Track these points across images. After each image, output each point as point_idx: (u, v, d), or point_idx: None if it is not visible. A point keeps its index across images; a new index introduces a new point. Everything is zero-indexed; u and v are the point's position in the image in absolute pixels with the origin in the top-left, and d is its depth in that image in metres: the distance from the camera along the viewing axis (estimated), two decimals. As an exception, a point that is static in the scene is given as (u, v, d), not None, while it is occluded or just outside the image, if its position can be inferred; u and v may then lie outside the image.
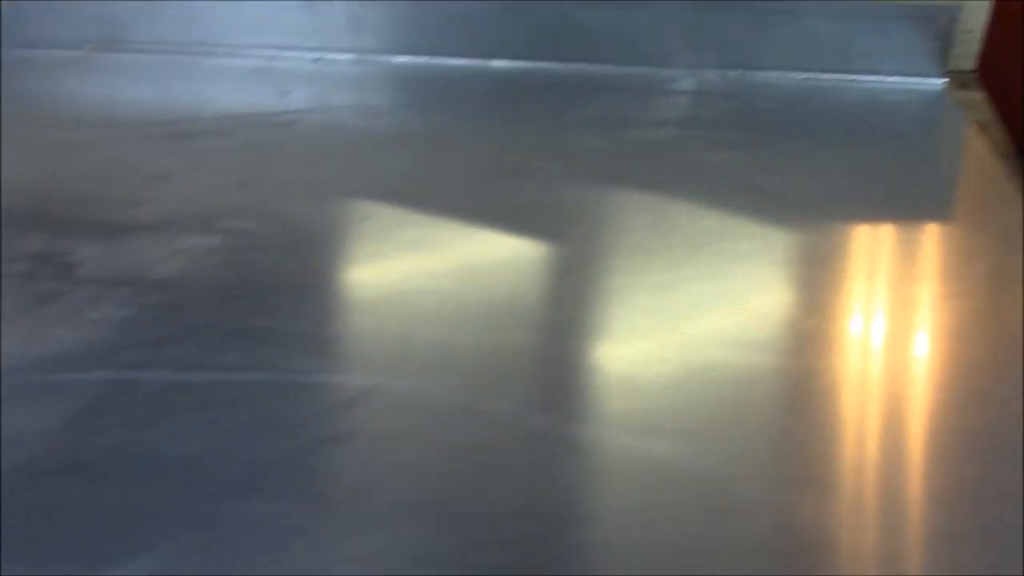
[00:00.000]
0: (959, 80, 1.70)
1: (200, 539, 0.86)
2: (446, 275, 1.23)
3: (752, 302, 1.17)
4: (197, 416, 0.99)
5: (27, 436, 0.95)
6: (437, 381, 1.05)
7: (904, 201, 1.40)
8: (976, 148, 1.54)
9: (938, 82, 1.68)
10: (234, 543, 0.86)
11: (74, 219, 1.31)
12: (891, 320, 1.16)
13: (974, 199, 1.44)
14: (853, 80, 1.68)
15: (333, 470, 0.94)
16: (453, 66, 1.75)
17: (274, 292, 1.20)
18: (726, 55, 1.70)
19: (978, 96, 1.68)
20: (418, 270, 1.24)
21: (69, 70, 1.75)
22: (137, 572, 0.83)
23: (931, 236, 1.34)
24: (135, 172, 1.42)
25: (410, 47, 1.78)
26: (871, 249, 1.30)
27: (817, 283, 1.21)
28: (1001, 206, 1.37)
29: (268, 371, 1.07)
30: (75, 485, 0.90)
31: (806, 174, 1.43)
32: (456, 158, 1.47)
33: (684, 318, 1.14)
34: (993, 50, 1.71)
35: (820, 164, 1.47)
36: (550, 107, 1.62)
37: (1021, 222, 1.32)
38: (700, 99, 1.64)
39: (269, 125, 1.58)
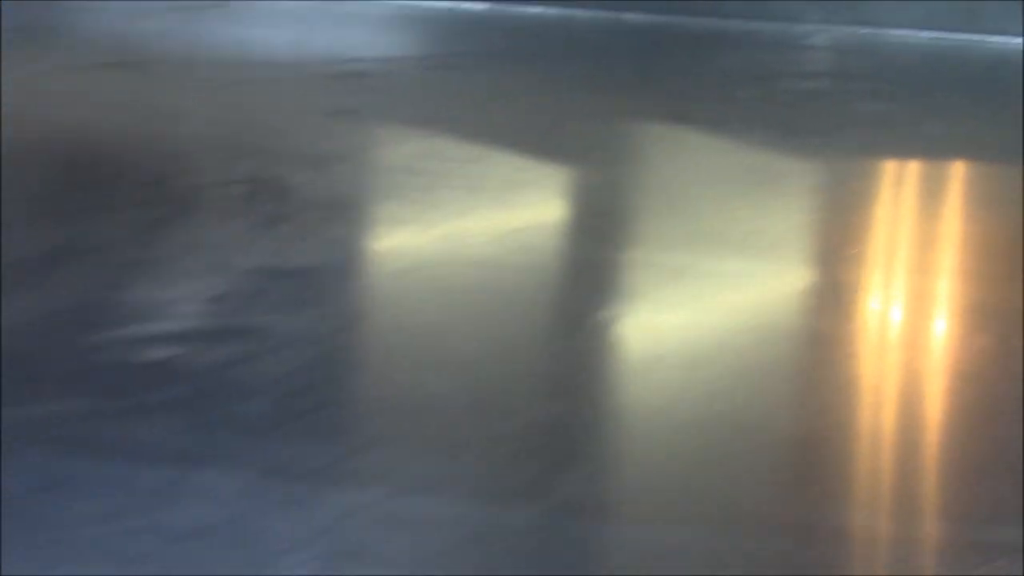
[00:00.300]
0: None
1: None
2: (637, 207, 1.29)
3: (946, 237, 1.23)
4: (475, 315, 1.05)
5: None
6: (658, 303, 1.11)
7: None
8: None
9: (1063, 43, 1.74)
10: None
11: (274, 149, 1.36)
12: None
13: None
14: (980, 40, 1.74)
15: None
16: (585, 17, 1.80)
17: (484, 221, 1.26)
18: (855, 13, 1.76)
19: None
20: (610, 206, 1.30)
21: (211, 16, 1.79)
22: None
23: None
24: (317, 108, 1.47)
25: (543, -2, 1.83)
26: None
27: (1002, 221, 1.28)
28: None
29: (506, 294, 1.13)
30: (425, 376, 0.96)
31: (956, 124, 1.50)
32: (615, 105, 1.53)
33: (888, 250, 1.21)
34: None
35: (965, 116, 1.53)
36: (693, 59, 1.68)
37: None
38: (837, 54, 1.70)
39: (425, 68, 1.63)
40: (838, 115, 1.51)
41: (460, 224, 1.25)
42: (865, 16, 1.77)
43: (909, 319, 1.12)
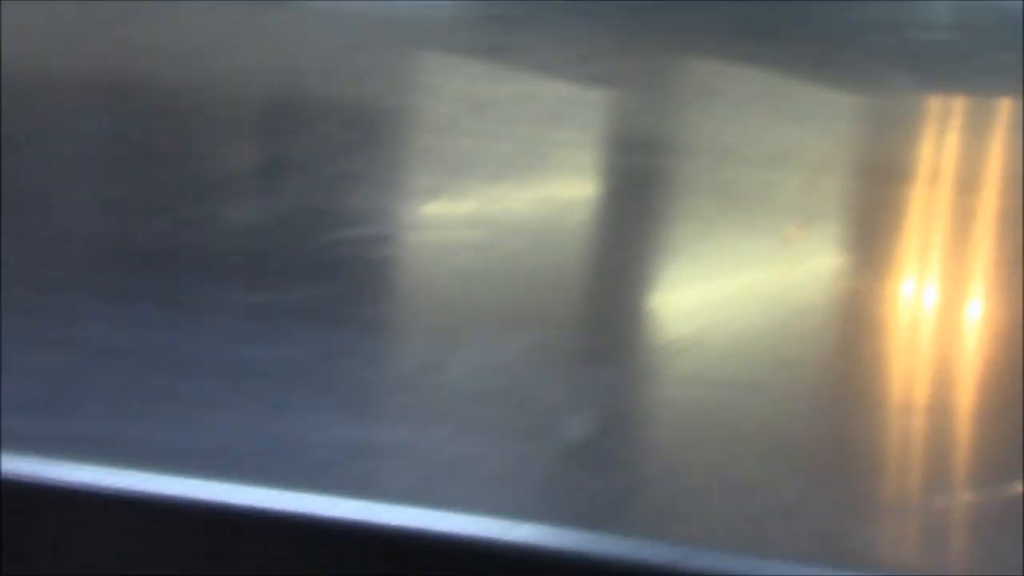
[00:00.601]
0: None
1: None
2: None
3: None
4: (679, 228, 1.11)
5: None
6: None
7: None
8: None
9: None
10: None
11: (439, 82, 1.42)
12: None
13: None
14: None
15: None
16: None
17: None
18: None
19: None
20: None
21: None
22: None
23: None
24: (469, 46, 1.53)
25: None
26: None
27: None
28: None
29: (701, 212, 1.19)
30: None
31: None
32: (757, 52, 1.59)
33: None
34: None
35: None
36: (817, 12, 1.74)
37: None
38: (957, 10, 1.76)
39: (561, 12, 1.69)
40: (972, 62, 1.57)
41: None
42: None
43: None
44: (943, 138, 1.36)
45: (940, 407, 0.90)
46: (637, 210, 1.14)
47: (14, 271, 0.94)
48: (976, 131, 1.37)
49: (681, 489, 0.78)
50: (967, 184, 1.26)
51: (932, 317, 1.03)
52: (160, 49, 1.37)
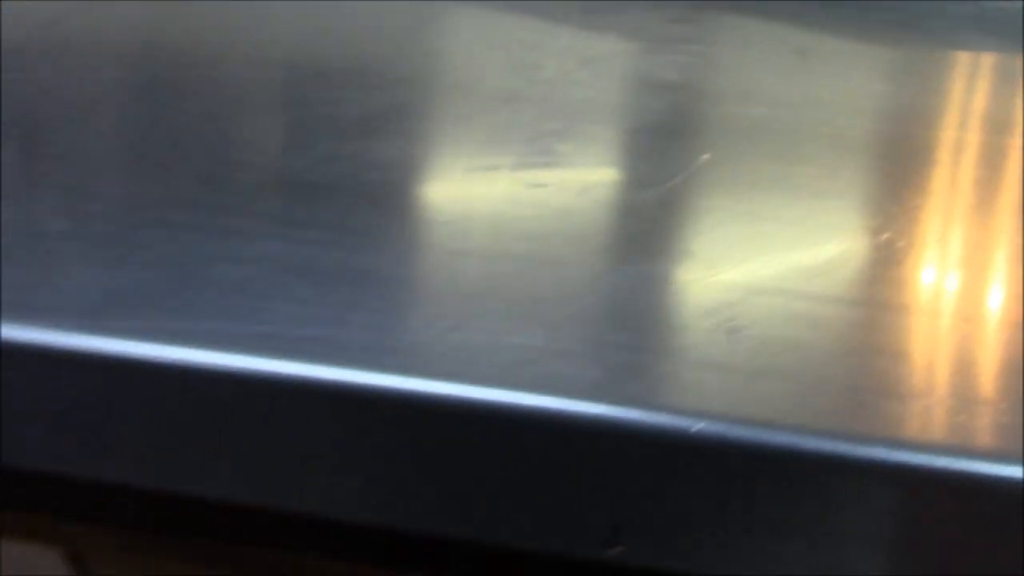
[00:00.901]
0: None
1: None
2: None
3: None
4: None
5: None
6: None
7: None
8: None
9: None
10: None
11: (557, 45, 1.47)
12: None
13: None
14: None
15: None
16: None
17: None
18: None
19: None
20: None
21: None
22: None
23: None
24: (573, 13, 1.58)
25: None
26: None
27: None
28: None
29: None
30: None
31: None
32: (838, 15, 1.64)
33: None
34: None
35: None
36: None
37: None
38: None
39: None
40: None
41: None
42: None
43: None
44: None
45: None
46: (757, 153, 1.19)
47: (190, 196, 0.99)
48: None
49: (839, 391, 0.83)
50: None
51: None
52: (274, 11, 1.42)
